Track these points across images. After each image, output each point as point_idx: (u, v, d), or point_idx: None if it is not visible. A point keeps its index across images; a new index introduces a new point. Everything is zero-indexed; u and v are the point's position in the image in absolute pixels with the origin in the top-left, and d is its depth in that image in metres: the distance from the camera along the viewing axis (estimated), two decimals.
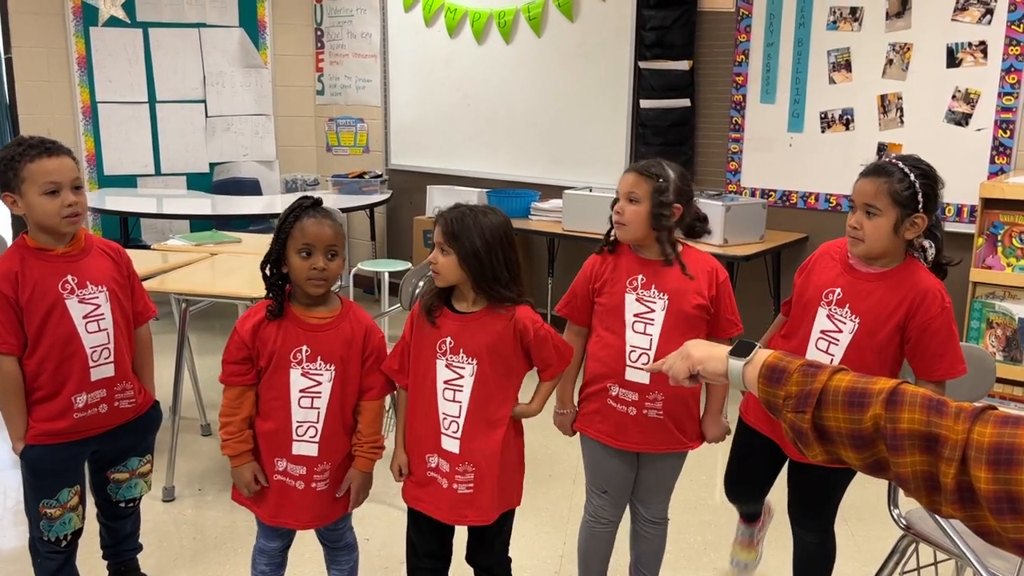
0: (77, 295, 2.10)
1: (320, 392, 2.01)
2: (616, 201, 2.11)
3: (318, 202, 2.01)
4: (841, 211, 4.16)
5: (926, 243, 2.00)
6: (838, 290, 2.05)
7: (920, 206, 1.93)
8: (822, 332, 2.07)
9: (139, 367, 2.29)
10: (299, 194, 5.84)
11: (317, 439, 2.01)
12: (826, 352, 2.05)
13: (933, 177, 1.97)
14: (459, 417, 1.98)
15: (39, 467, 2.13)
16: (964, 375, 2.02)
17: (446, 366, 1.98)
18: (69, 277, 2.09)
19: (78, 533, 2.23)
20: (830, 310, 2.06)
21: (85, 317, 2.11)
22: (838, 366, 1.15)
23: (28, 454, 2.12)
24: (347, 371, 2.03)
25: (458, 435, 1.97)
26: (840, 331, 2.04)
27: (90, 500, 2.33)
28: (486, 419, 1.99)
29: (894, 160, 1.97)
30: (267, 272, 2.01)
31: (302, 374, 1.99)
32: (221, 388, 2.06)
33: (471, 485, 1.98)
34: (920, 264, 2.02)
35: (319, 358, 2.00)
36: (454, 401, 1.98)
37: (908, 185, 1.93)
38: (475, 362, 1.97)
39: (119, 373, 2.18)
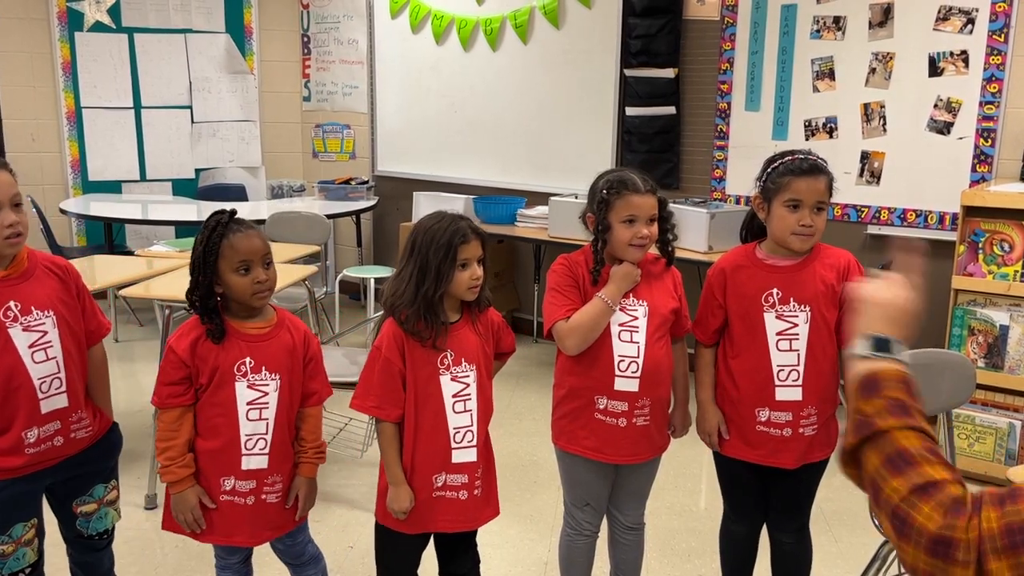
0: (21, 322, 1.91)
1: (268, 403, 1.96)
2: (632, 222, 2.04)
3: (234, 214, 1.94)
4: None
5: None
6: (775, 290, 2.09)
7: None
8: (778, 334, 2.09)
9: (93, 389, 2.11)
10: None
11: (267, 451, 1.97)
12: (790, 350, 2.08)
13: None
14: (472, 426, 1.99)
15: None
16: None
17: (452, 380, 1.96)
18: (12, 304, 1.90)
19: (36, 565, 2.06)
20: (777, 311, 2.09)
21: (31, 346, 1.92)
22: (919, 424, 1.08)
23: None
24: (292, 379, 2.01)
25: (474, 443, 1.99)
26: (796, 325, 2.08)
27: (49, 531, 2.17)
28: (486, 419, 2.04)
29: (809, 155, 2.08)
30: (195, 298, 1.93)
31: (248, 386, 1.94)
32: None
33: (483, 485, 2.03)
34: (821, 243, 2.13)
35: (263, 368, 1.95)
36: (465, 412, 1.98)
37: (832, 176, 2.07)
38: (475, 368, 1.99)
39: (73, 403, 2.00)
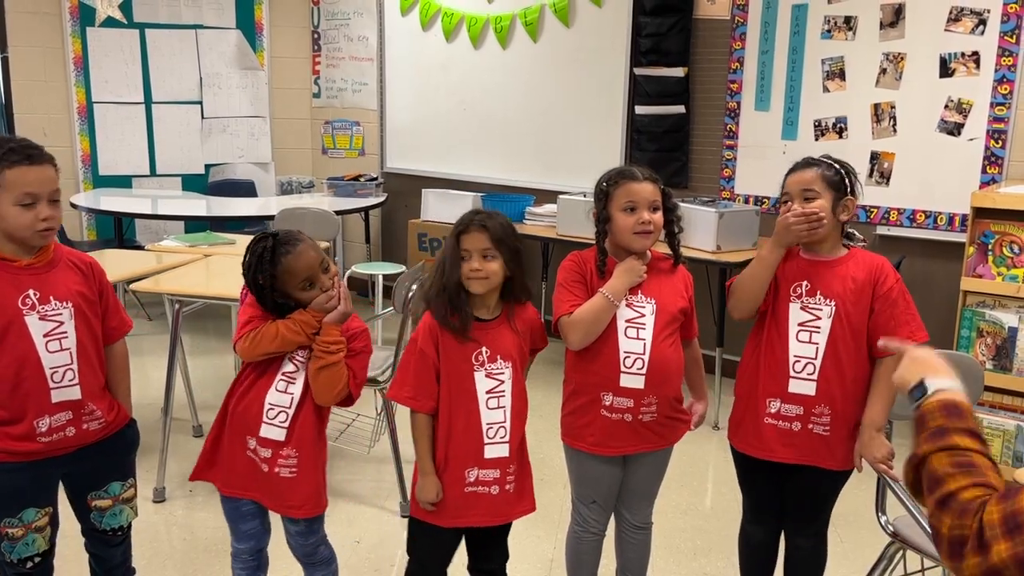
0: (38, 311, 1.94)
1: (295, 380, 2.04)
2: (633, 209, 2.06)
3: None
4: None
5: (853, 230, 2.22)
6: (805, 282, 2.13)
7: (848, 189, 2.13)
8: (800, 324, 2.12)
9: (114, 384, 2.15)
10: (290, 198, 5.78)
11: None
12: (809, 342, 2.10)
13: (852, 169, 2.18)
14: (505, 422, 2.01)
15: (2, 485, 1.98)
16: (926, 341, 2.02)
17: (486, 376, 1.99)
18: (31, 292, 1.94)
19: (47, 555, 2.07)
20: (802, 302, 2.12)
21: (46, 335, 1.95)
22: (951, 442, 1.19)
23: None
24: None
25: (507, 439, 2.02)
26: (819, 318, 2.10)
27: (69, 525, 2.21)
28: (521, 416, 2.06)
29: (816, 158, 2.16)
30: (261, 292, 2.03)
31: (293, 368, 2.04)
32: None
33: (515, 481, 2.05)
34: (861, 249, 2.20)
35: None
36: (499, 408, 2.01)
37: (836, 171, 2.12)
38: (510, 365, 2.01)
39: (85, 394, 2.03)
